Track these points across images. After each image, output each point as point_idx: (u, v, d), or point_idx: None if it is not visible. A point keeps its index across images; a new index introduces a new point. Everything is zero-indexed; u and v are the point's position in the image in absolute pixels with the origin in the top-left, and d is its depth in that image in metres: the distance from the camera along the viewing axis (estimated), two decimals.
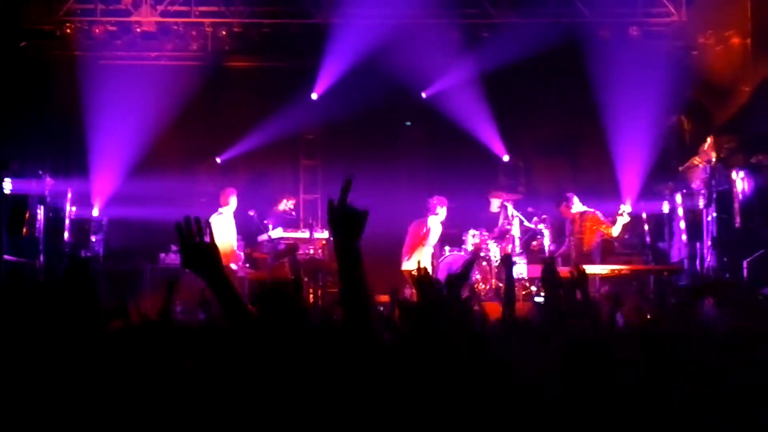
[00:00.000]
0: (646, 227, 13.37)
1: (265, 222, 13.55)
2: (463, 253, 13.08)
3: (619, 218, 12.33)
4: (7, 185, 12.34)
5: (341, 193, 3.04)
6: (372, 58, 14.24)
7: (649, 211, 13.42)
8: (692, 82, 14.45)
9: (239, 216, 13.23)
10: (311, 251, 13.37)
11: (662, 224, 13.30)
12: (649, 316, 8.37)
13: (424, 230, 13.05)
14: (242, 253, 13.37)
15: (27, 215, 12.70)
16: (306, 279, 13.22)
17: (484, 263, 13.00)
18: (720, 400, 3.27)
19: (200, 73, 15.33)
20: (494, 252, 13.00)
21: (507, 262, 6.31)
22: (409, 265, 12.65)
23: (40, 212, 12.95)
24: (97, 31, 14.73)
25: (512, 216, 13.40)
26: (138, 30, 14.87)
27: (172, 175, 14.56)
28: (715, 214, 12.42)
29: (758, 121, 13.05)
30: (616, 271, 12.20)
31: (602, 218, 12.79)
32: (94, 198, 14.36)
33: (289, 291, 3.65)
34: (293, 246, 13.43)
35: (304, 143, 16.26)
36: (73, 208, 13.61)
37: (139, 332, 3.42)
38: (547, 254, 13.27)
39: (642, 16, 14.75)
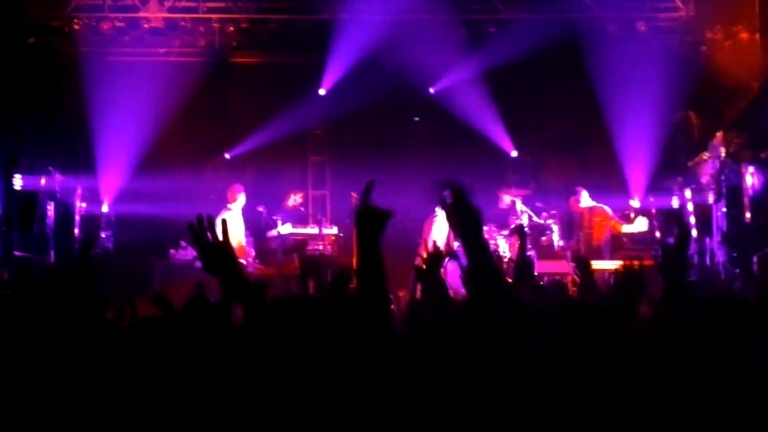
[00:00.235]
0: (655, 222, 13.37)
1: (274, 218, 13.55)
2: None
3: (635, 223, 12.37)
4: (18, 181, 12.35)
5: (364, 192, 3.16)
6: (379, 54, 14.26)
7: (658, 207, 13.42)
8: (700, 78, 14.45)
9: (248, 212, 13.24)
10: (320, 247, 13.38)
11: (672, 219, 13.28)
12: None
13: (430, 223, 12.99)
14: (252, 250, 13.36)
15: (37, 211, 12.69)
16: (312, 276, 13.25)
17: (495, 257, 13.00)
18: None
19: (208, 69, 15.33)
20: (504, 248, 12.98)
21: (520, 231, 6.29)
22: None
23: (50, 208, 12.96)
24: (104, 27, 14.75)
25: (521, 212, 13.39)
26: (146, 26, 14.89)
27: (180, 171, 14.57)
28: (724, 209, 12.42)
29: (767, 116, 13.05)
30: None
31: (611, 213, 12.80)
32: (103, 194, 14.37)
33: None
34: (302, 242, 13.45)
35: (312, 139, 16.25)
36: (83, 205, 13.62)
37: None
38: (556, 249, 13.30)
39: (650, 11, 14.79)
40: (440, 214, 12.98)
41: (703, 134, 13.81)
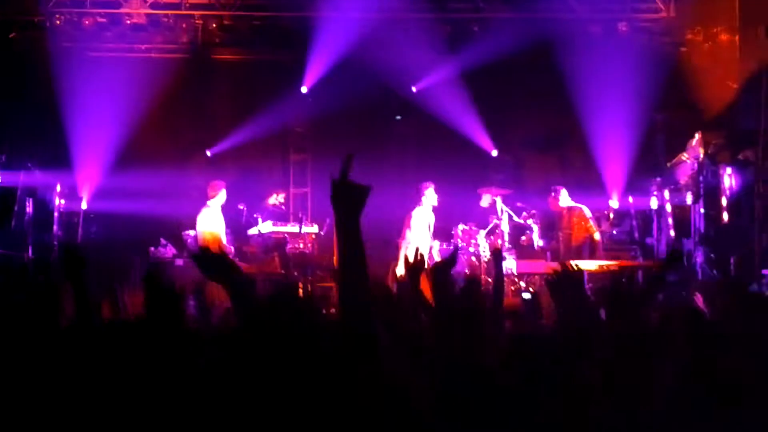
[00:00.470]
0: (634, 223, 13.44)
1: (255, 216, 13.55)
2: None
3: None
4: None
5: (342, 168, 3.02)
6: (362, 52, 14.23)
7: (637, 207, 13.49)
8: (680, 79, 14.53)
9: (229, 209, 13.20)
10: (301, 245, 13.38)
11: (650, 220, 13.36)
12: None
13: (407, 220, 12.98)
14: (232, 247, 13.35)
15: (15, 208, 12.64)
16: (296, 273, 13.26)
17: (473, 258, 13.03)
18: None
19: (190, 65, 15.29)
20: (483, 246, 13.03)
21: (497, 256, 6.30)
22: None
23: (29, 205, 12.91)
24: (86, 22, 14.70)
25: (502, 211, 13.43)
26: (128, 22, 14.85)
27: (161, 168, 14.48)
28: (702, 210, 12.49)
29: (746, 117, 13.14)
30: (604, 267, 12.26)
31: (588, 215, 12.87)
32: (82, 191, 14.31)
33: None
34: (282, 240, 13.45)
35: (294, 137, 16.23)
36: (62, 201, 13.57)
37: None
38: (536, 249, 13.36)
39: (631, 12, 14.83)
40: (420, 208, 12.96)
41: (682, 135, 13.86)
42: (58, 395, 3.27)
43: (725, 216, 12.15)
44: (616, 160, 14.36)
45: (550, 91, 14.35)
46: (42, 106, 14.25)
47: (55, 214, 13.44)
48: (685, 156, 13.25)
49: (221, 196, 12.91)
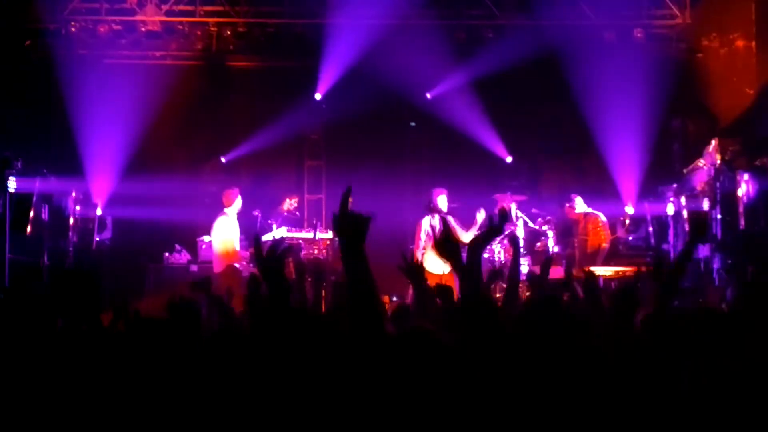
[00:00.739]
0: (650, 229, 13.38)
1: (269, 222, 13.54)
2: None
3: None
4: (12, 184, 12.31)
5: (342, 200, 3.21)
6: (376, 59, 14.23)
7: (653, 213, 13.43)
8: (697, 85, 14.49)
9: (243, 216, 13.18)
10: (315, 251, 13.36)
11: (666, 226, 13.30)
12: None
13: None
14: (246, 253, 13.32)
15: (31, 214, 12.66)
16: (310, 279, 13.21)
17: (489, 264, 12.97)
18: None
19: (205, 72, 15.38)
20: (498, 252, 12.99)
21: (514, 241, 6.25)
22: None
23: (45, 211, 12.94)
24: (101, 30, 14.76)
25: (517, 217, 13.39)
26: (143, 29, 14.92)
27: (176, 174, 14.56)
28: (719, 216, 12.43)
29: (762, 123, 13.07)
30: (620, 273, 12.22)
31: (601, 222, 12.84)
32: (97, 197, 14.34)
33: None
34: (297, 246, 13.43)
35: (308, 143, 16.23)
36: (77, 207, 13.59)
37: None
38: (551, 255, 13.28)
39: (646, 19, 14.80)
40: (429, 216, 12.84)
41: (699, 141, 13.81)
42: (68, 396, 3.28)
43: (742, 222, 12.06)
44: (631, 166, 14.33)
45: (564, 97, 14.31)
46: (57, 113, 14.30)
47: (71, 220, 13.45)
48: (701, 162, 13.18)
49: (237, 204, 12.88)
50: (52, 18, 14.68)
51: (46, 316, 4.44)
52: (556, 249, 13.30)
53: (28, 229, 12.51)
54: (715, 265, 12.18)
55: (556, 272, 12.73)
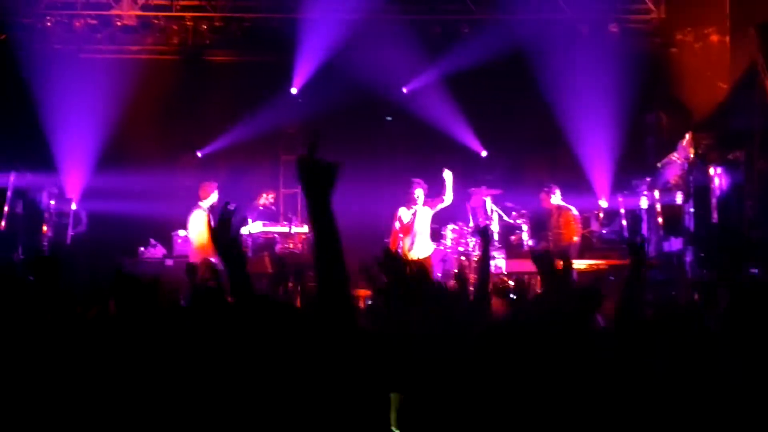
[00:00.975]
0: (624, 222, 13.45)
1: (245, 216, 13.53)
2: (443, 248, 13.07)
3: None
4: None
5: (309, 147, 2.95)
6: (353, 54, 14.25)
7: (627, 207, 13.50)
8: (671, 79, 14.57)
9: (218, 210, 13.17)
10: (291, 245, 13.37)
11: (640, 220, 13.37)
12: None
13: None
14: None
15: (5, 209, 12.61)
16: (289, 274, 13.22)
17: (464, 258, 13.02)
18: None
19: (181, 67, 15.34)
20: (472, 246, 13.03)
21: (484, 233, 6.19)
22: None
23: (19, 206, 12.89)
24: (77, 24, 14.72)
25: (492, 211, 13.44)
26: (118, 24, 14.87)
27: (151, 169, 14.50)
28: (692, 210, 12.50)
29: (736, 117, 13.13)
30: (593, 266, 12.30)
31: (573, 216, 12.92)
32: (71, 192, 14.28)
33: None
34: (272, 240, 13.44)
35: (284, 138, 16.21)
36: (52, 202, 13.54)
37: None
38: (525, 249, 13.36)
39: (622, 13, 14.88)
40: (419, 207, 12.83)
41: (673, 135, 13.88)
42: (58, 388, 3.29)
43: (715, 215, 12.14)
44: (605, 160, 14.39)
45: (539, 92, 14.35)
46: (30, 108, 14.22)
47: (45, 215, 13.40)
48: (675, 156, 13.26)
49: (213, 197, 12.90)
50: (27, 12, 14.61)
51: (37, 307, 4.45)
52: (530, 242, 13.36)
53: (2, 224, 12.48)
54: (688, 258, 12.25)
55: (529, 266, 12.86)
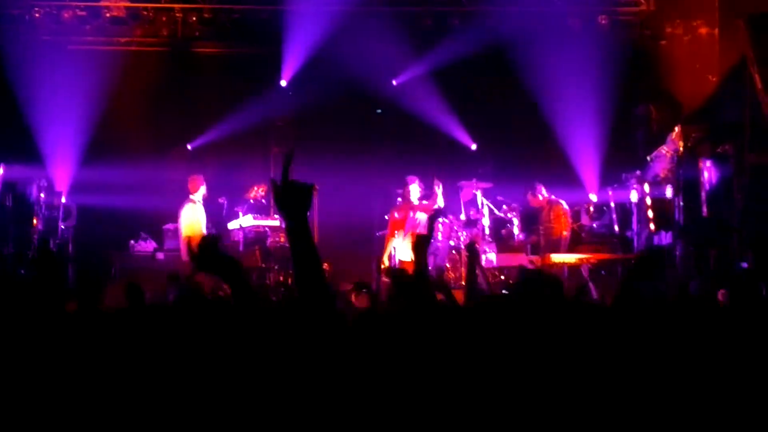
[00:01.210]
0: (614, 216, 13.49)
1: (236, 209, 13.52)
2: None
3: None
4: None
5: (283, 169, 2.93)
6: (343, 46, 14.22)
7: (616, 200, 13.55)
8: (660, 72, 14.61)
9: (209, 203, 13.18)
10: (281, 239, 13.34)
11: (630, 213, 13.42)
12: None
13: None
14: None
15: None
16: (276, 267, 13.24)
17: (454, 252, 13.05)
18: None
19: (170, 59, 15.27)
20: (463, 239, 13.06)
21: (471, 250, 6.21)
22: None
23: (8, 199, 12.83)
24: (65, 15, 14.65)
25: (482, 204, 13.46)
26: (107, 15, 14.81)
27: (141, 162, 14.43)
28: (681, 203, 12.54)
29: (725, 110, 13.16)
30: (584, 260, 12.34)
31: (563, 210, 12.98)
32: (60, 185, 14.22)
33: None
34: (263, 234, 13.42)
35: (275, 130, 16.16)
36: (42, 195, 13.47)
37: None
38: (516, 242, 13.41)
39: (611, 6, 14.92)
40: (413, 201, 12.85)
41: (662, 128, 13.92)
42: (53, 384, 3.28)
43: (704, 209, 12.19)
44: (595, 153, 14.44)
45: (529, 84, 14.37)
46: (18, 100, 14.14)
47: (35, 208, 13.34)
48: (664, 149, 13.28)
49: (202, 191, 12.91)
50: (15, 3, 14.52)
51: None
52: (521, 236, 13.41)
53: None
54: (678, 252, 12.29)
55: (519, 259, 12.93)
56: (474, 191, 13.58)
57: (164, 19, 15.04)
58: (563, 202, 13.10)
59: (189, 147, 15.59)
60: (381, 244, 12.74)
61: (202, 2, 14.86)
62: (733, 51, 13.20)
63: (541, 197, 13.16)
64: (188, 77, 15.50)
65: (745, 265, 10.98)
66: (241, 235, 13.29)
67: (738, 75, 12.63)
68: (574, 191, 13.94)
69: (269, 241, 13.26)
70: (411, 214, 12.57)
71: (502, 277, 12.65)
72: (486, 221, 13.32)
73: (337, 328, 2.98)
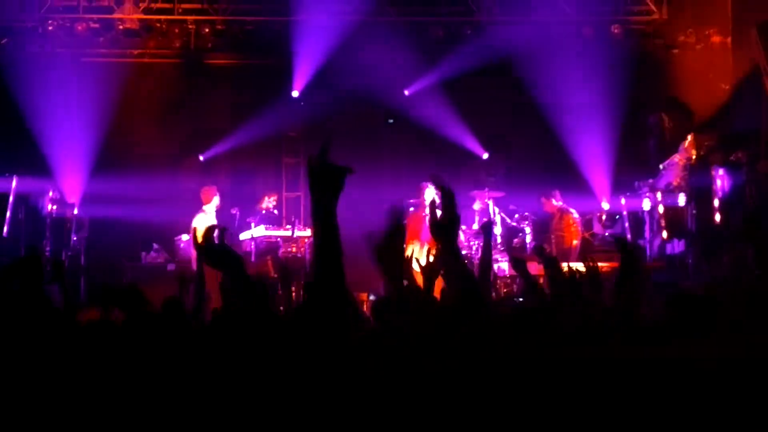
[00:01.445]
0: (626, 224, 13.44)
1: (248, 220, 13.54)
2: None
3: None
4: None
5: (321, 148, 2.88)
6: (355, 56, 14.25)
7: (629, 209, 13.50)
8: (673, 80, 14.57)
9: (222, 214, 13.21)
10: (293, 249, 13.35)
11: (642, 222, 13.37)
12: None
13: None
14: None
15: (8, 215, 12.59)
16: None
17: (466, 261, 13.00)
18: None
19: (183, 70, 15.34)
20: (475, 249, 13.02)
21: (486, 228, 6.16)
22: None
23: (21, 212, 12.86)
24: (79, 28, 14.71)
25: (494, 213, 13.43)
26: (120, 27, 14.87)
27: (154, 173, 14.48)
28: (694, 212, 12.49)
29: (737, 118, 13.14)
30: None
31: (574, 219, 12.96)
32: (72, 197, 14.25)
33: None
34: (275, 244, 13.44)
35: (286, 141, 16.21)
36: (54, 207, 13.51)
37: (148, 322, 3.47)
38: (528, 251, 13.35)
39: (624, 15, 14.89)
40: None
41: (675, 136, 13.88)
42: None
43: (717, 217, 12.13)
44: (607, 161, 14.40)
45: (542, 93, 14.35)
46: (31, 112, 14.21)
47: (47, 220, 13.37)
48: (677, 158, 13.25)
49: (215, 201, 12.96)
50: (28, 16, 14.61)
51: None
52: (532, 245, 13.36)
53: (5, 229, 12.46)
54: (690, 260, 12.24)
55: (531, 268, 12.84)
56: (486, 200, 13.55)
57: (177, 30, 15.09)
58: (574, 211, 13.08)
59: (201, 158, 15.63)
60: None
61: (214, 14, 14.92)
62: (745, 59, 13.18)
63: (554, 203, 13.14)
64: (201, 88, 15.55)
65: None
66: (252, 245, 13.30)
67: (750, 83, 12.60)
68: (586, 199, 13.91)
69: (281, 251, 13.27)
70: (425, 222, 12.57)
71: (514, 287, 12.59)
72: (498, 230, 13.29)
73: (347, 331, 2.96)
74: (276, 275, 13.19)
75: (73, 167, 14.47)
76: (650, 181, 13.52)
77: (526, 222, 13.54)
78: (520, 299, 10.12)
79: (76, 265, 13.26)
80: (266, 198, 14.21)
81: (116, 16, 14.78)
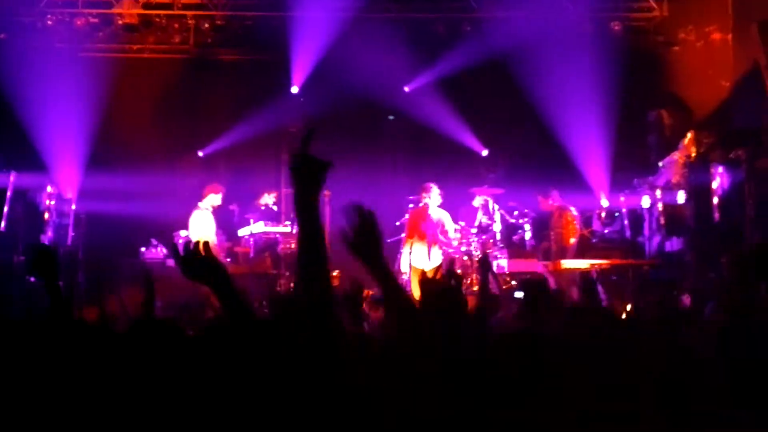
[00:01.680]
0: (625, 222, 13.42)
1: (247, 216, 13.52)
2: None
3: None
4: None
5: (302, 142, 2.97)
6: (355, 52, 14.21)
7: (628, 206, 13.49)
8: (673, 78, 14.55)
9: (220, 210, 13.20)
10: (292, 245, 13.32)
11: (641, 219, 13.35)
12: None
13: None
14: (223, 248, 13.32)
15: (6, 210, 12.56)
16: (287, 273, 13.23)
17: (466, 257, 13.01)
18: None
19: (182, 66, 15.33)
20: (475, 246, 13.03)
21: (484, 264, 6.18)
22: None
23: (19, 207, 12.83)
24: (78, 23, 14.73)
25: (494, 211, 13.42)
26: (120, 22, 14.86)
27: (153, 168, 14.47)
28: (693, 209, 12.47)
29: (737, 116, 13.12)
30: (595, 266, 12.27)
31: (572, 216, 12.96)
32: (70, 192, 14.23)
33: None
34: (274, 240, 13.42)
35: (286, 137, 16.16)
36: (52, 203, 13.47)
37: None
38: (527, 248, 13.36)
39: (624, 11, 14.87)
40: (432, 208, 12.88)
41: (675, 134, 13.86)
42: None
43: (716, 215, 12.11)
44: (606, 159, 14.39)
45: (541, 90, 14.33)
46: (30, 107, 14.19)
47: (46, 215, 13.35)
48: (676, 155, 13.23)
49: (211, 199, 12.94)
50: (27, 10, 14.59)
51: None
52: (532, 242, 13.38)
53: (3, 225, 12.43)
54: (689, 258, 12.23)
55: (531, 265, 12.89)
56: (486, 197, 13.55)
57: (176, 26, 15.09)
58: (572, 209, 13.06)
59: (200, 154, 15.61)
60: (391, 251, 12.77)
61: (214, 9, 14.89)
62: (746, 57, 13.14)
63: (551, 202, 13.14)
64: (200, 84, 15.55)
65: None
66: (251, 241, 13.28)
67: (751, 81, 12.58)
68: (585, 196, 13.89)
69: (280, 247, 13.26)
70: (429, 219, 12.67)
71: (513, 283, 12.58)
72: (497, 227, 13.28)
73: (334, 332, 2.94)
74: (275, 271, 13.22)
75: (71, 162, 14.45)
76: (649, 178, 13.49)
77: (526, 219, 13.53)
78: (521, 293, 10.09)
79: (74, 261, 13.22)
80: (265, 194, 14.18)
81: (115, 11, 14.77)
